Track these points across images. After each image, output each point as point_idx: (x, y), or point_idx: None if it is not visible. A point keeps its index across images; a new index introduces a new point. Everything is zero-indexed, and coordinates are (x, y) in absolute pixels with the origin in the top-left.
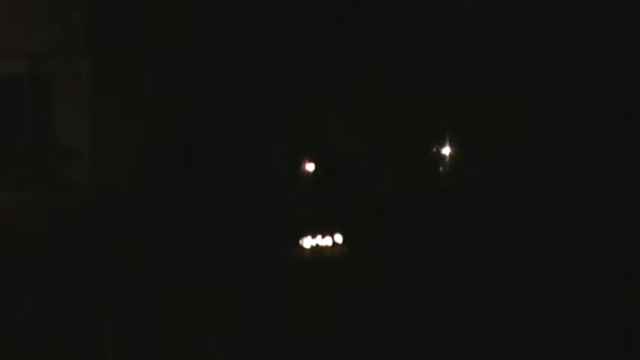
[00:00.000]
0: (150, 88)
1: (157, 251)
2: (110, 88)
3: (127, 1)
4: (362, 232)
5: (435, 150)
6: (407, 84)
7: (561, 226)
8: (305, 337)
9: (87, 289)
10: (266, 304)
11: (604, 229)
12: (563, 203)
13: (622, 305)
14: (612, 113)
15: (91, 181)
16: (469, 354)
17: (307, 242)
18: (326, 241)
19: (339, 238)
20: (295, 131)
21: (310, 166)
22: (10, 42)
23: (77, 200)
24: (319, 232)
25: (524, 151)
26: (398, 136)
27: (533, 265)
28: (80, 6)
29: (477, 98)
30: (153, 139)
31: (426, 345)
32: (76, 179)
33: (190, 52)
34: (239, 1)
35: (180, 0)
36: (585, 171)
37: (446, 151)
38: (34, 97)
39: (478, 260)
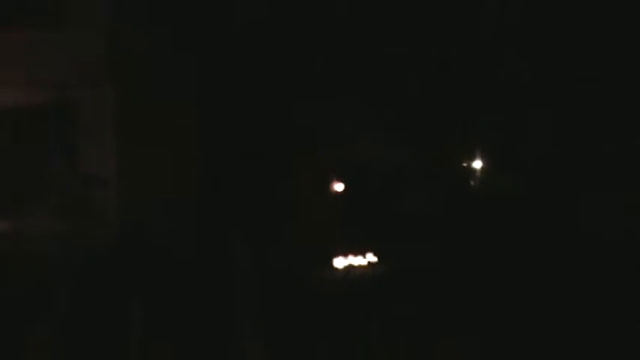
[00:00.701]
0: (174, 113)
1: (184, 277)
2: (135, 115)
3: (151, 29)
4: (396, 250)
5: (466, 164)
6: (437, 97)
7: (594, 238)
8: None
9: (114, 317)
10: (296, 326)
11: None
12: (596, 214)
13: None
14: None
15: (117, 208)
16: None
17: (340, 262)
18: (359, 260)
19: (372, 257)
20: (324, 147)
21: (340, 186)
22: (34, 71)
23: (104, 228)
24: (352, 252)
25: (556, 161)
26: (430, 151)
27: (567, 276)
28: (104, 35)
29: (506, 109)
30: (178, 164)
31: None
32: (103, 207)
33: (215, 77)
34: (263, 21)
35: (204, 25)
36: (619, 179)
37: (477, 164)
38: (60, 125)
39: (511, 274)
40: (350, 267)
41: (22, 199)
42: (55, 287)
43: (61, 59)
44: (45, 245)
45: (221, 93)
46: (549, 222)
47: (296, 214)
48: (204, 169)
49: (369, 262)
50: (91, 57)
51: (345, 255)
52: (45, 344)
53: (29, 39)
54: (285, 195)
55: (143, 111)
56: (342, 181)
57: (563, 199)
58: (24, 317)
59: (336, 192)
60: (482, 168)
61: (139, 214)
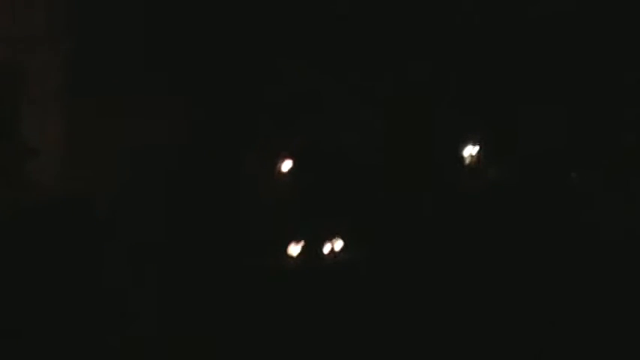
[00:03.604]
0: (130, 80)
1: (129, 254)
2: (86, 80)
3: None
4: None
5: (454, 151)
6: (422, 81)
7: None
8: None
9: (49, 289)
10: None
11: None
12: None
13: None
14: None
15: (56, 180)
16: None
17: (295, 249)
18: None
19: (337, 244)
20: (286, 125)
21: (293, 164)
22: None
23: (38, 200)
24: (314, 238)
25: (549, 154)
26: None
27: (557, 272)
28: None
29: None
30: (128, 136)
31: None
32: (40, 178)
33: (175, 44)
34: None
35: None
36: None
37: (466, 152)
38: (4, 88)
39: (495, 267)
40: (306, 255)
41: None
42: None
43: (10, 16)
44: None
45: (181, 65)
46: (540, 216)
47: (246, 196)
48: (157, 141)
49: (331, 250)
50: (43, 15)
51: (303, 242)
52: None
53: None
54: (235, 175)
55: (90, 77)
56: (304, 162)
57: (556, 192)
58: None
59: (295, 174)
60: (471, 156)
61: (80, 187)
